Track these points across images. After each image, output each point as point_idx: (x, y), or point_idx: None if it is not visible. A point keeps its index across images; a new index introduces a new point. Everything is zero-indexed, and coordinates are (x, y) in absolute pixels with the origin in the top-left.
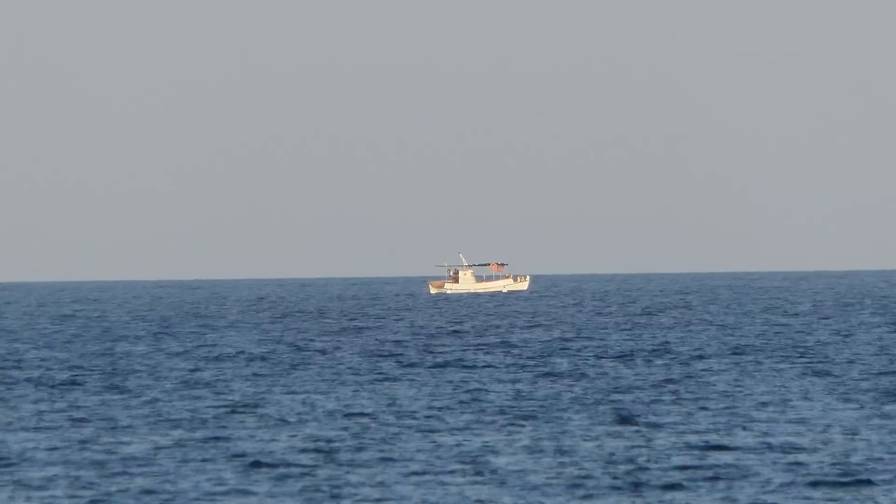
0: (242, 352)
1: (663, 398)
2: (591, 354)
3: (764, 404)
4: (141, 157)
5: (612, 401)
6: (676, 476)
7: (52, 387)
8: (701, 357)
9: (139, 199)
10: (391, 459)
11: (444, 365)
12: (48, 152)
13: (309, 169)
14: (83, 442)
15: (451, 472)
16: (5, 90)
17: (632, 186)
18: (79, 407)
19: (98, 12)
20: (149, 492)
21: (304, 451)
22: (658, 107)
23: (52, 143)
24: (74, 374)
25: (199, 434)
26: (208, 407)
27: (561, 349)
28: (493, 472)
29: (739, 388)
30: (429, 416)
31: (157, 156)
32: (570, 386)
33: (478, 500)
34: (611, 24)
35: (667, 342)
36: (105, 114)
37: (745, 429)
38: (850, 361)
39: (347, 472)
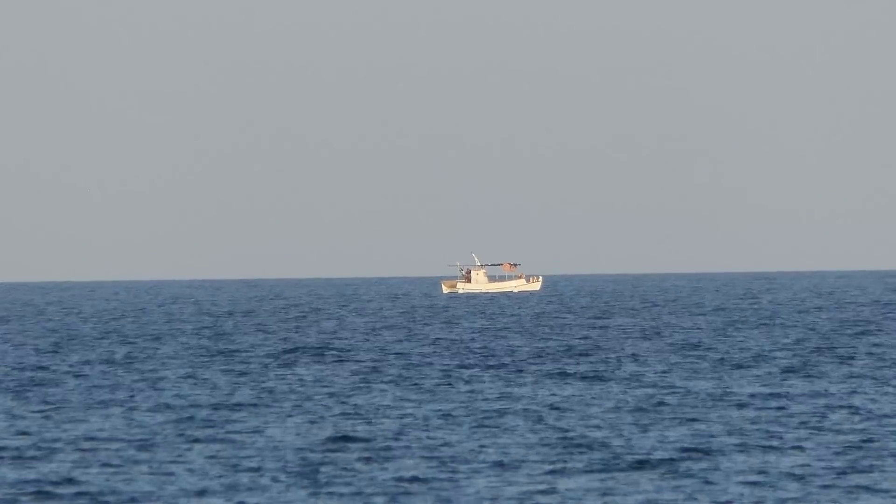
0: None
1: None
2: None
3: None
4: (140, 158)
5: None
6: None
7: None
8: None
9: (138, 200)
10: (433, 459)
11: (475, 366)
12: (48, 152)
13: (316, 168)
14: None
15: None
16: (4, 90)
17: (635, 187)
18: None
19: (99, 13)
20: (203, 490)
21: (345, 450)
22: (659, 107)
23: (52, 143)
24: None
25: (249, 434)
26: (256, 406)
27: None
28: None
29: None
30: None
31: (156, 156)
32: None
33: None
34: (624, 27)
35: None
36: (106, 114)
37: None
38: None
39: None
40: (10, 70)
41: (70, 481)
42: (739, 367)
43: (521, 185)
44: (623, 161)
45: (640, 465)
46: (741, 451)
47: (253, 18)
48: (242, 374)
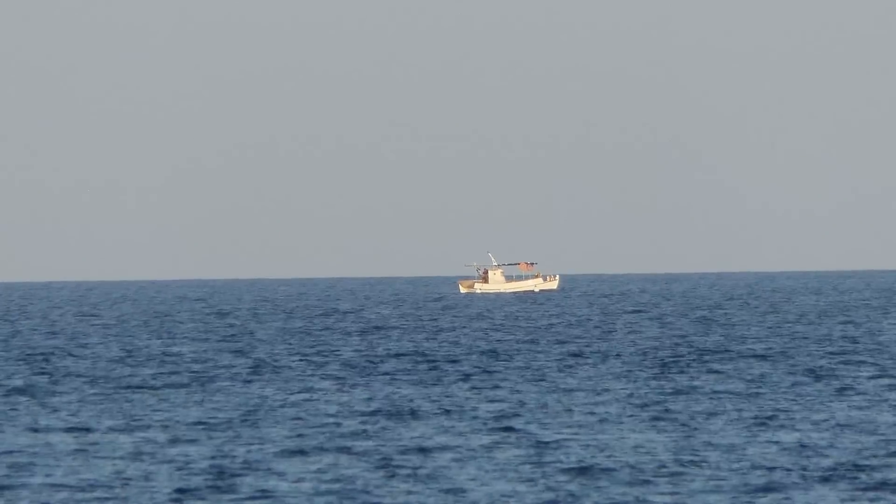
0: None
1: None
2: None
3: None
4: (140, 158)
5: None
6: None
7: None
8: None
9: (138, 199)
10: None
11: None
12: (47, 152)
13: (329, 168)
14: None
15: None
16: (3, 90)
17: (637, 186)
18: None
19: (98, 12)
20: (263, 492)
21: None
22: (658, 105)
23: (52, 143)
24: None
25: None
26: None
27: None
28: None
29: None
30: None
31: (156, 155)
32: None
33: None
34: (648, 26)
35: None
36: (107, 114)
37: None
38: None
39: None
40: (9, 70)
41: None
42: None
43: (535, 184)
44: (634, 161)
45: None
46: None
47: (258, 17)
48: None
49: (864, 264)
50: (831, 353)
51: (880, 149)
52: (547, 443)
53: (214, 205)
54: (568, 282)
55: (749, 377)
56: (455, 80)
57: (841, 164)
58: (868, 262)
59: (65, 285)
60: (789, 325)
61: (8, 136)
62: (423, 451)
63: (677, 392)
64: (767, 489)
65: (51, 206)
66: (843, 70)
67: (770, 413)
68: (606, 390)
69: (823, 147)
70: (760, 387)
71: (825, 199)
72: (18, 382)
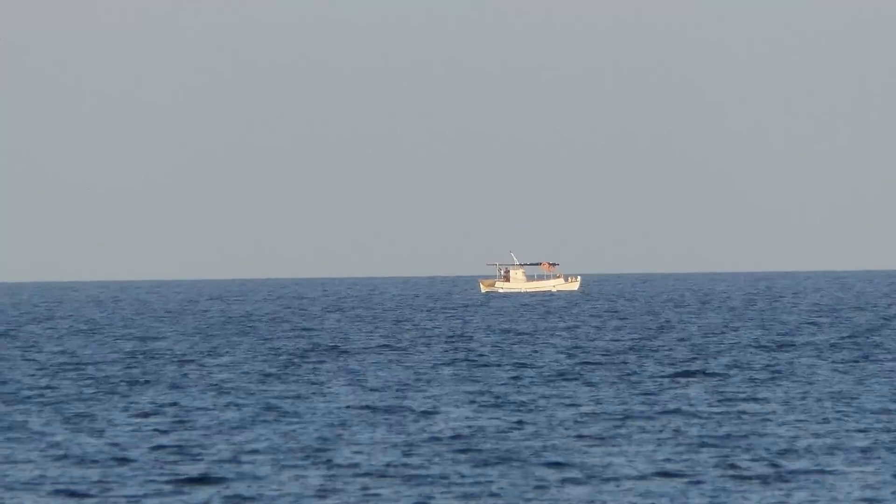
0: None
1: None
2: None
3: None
4: (140, 157)
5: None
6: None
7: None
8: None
9: (138, 199)
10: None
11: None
12: (47, 151)
13: (346, 166)
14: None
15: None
16: (2, 88)
17: (640, 186)
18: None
19: (97, 10)
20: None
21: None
22: (658, 104)
23: (51, 142)
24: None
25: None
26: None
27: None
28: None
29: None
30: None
31: (156, 155)
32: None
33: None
34: (674, 22)
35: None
36: (106, 113)
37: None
38: None
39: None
40: (8, 68)
41: None
42: None
43: (557, 184)
44: (651, 164)
45: None
46: None
47: (256, 14)
48: None
49: (864, 264)
50: None
51: (882, 149)
52: None
53: (220, 205)
54: (589, 283)
55: None
56: (477, 76)
57: (842, 164)
58: (869, 263)
59: (70, 285)
60: None
61: (7, 136)
62: None
63: None
64: None
65: (50, 205)
66: (849, 69)
67: None
68: None
69: (825, 147)
70: None
71: (825, 200)
72: None
